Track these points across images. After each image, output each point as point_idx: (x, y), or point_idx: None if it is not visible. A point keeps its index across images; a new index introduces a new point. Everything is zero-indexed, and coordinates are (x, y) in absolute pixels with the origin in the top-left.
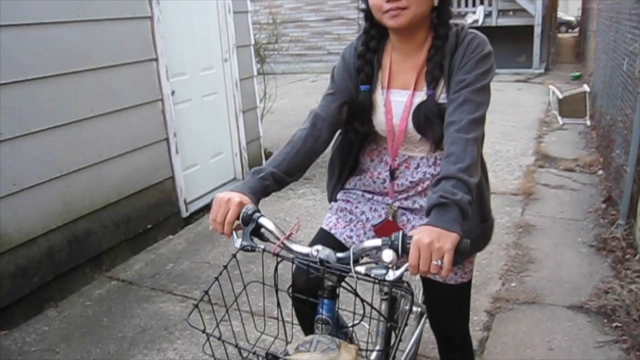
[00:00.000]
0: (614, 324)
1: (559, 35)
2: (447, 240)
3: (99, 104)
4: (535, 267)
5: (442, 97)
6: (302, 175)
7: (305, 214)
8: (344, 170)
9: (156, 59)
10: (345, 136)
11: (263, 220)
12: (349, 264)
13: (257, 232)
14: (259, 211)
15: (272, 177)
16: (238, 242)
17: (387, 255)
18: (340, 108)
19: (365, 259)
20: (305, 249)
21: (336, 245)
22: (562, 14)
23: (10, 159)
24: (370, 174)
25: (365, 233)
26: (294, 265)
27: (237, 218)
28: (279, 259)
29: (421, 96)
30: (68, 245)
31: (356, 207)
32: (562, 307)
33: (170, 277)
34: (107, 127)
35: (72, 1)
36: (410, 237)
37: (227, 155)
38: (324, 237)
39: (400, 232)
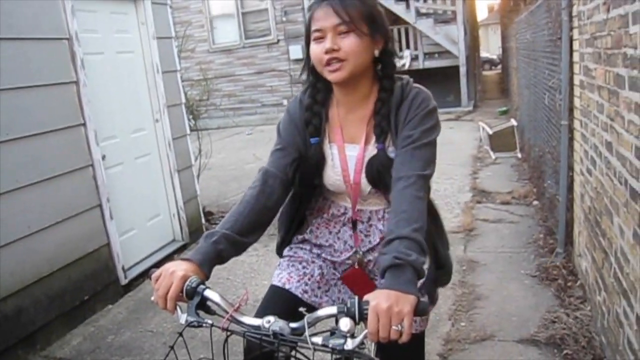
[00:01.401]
0: (564, 352)
1: (484, 72)
2: (406, 303)
3: (24, 174)
4: (482, 303)
5: (390, 151)
6: (260, 236)
7: (248, 270)
8: (293, 225)
9: (84, 124)
10: (294, 191)
11: (208, 293)
12: (303, 334)
13: (203, 305)
14: (203, 283)
15: (226, 240)
16: (183, 318)
17: (345, 323)
18: (291, 165)
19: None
20: (256, 321)
21: (292, 300)
22: (484, 53)
23: None
24: (319, 230)
25: (320, 287)
26: (245, 340)
27: (181, 291)
28: (228, 333)
29: (372, 148)
30: None
31: (312, 262)
32: (512, 342)
33: (112, 350)
34: (35, 198)
35: None
36: (367, 302)
37: (165, 217)
38: (277, 294)
39: (356, 298)
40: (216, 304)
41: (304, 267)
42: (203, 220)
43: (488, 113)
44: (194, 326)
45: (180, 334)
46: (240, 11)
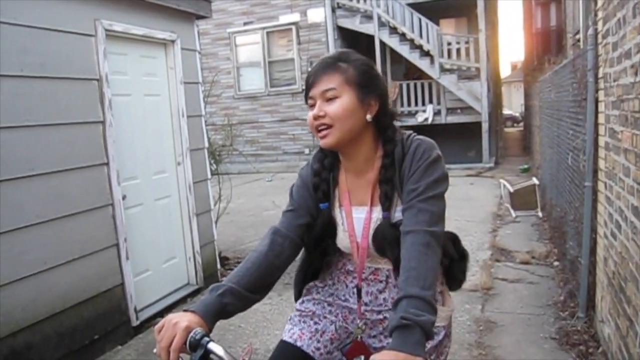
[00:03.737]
0: None
1: (506, 129)
2: None
3: (45, 210)
4: None
5: (397, 217)
6: (266, 294)
7: (261, 319)
8: (307, 278)
9: (107, 164)
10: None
11: (212, 346)
12: None
13: (206, 358)
14: (207, 335)
15: (232, 294)
16: None
17: None
18: (302, 227)
19: None
20: None
21: (303, 358)
22: (507, 110)
23: None
24: (335, 286)
25: (332, 343)
26: None
27: (185, 343)
28: None
29: (378, 211)
30: None
31: (324, 317)
32: None
33: None
34: (54, 234)
35: (21, 106)
36: None
37: (181, 260)
38: (288, 351)
39: (362, 358)
40: (220, 357)
41: (315, 323)
42: (219, 265)
43: (509, 170)
44: None
45: None
46: (267, 60)
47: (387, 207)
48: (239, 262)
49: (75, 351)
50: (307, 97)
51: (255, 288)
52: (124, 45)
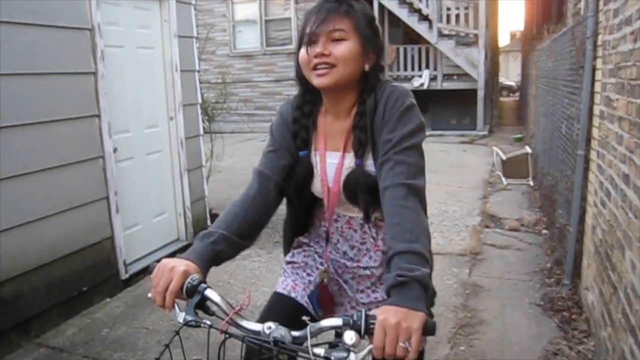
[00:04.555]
0: None
1: (501, 98)
2: (415, 320)
3: (34, 160)
4: (483, 329)
5: (369, 164)
6: (255, 239)
7: (250, 276)
8: (297, 232)
9: (98, 115)
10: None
11: (209, 293)
12: (304, 344)
13: (202, 304)
14: (205, 282)
15: (224, 241)
16: (181, 317)
17: (349, 337)
18: (286, 169)
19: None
20: (256, 326)
21: (296, 308)
22: (503, 79)
23: None
24: (315, 237)
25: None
26: (245, 345)
27: (181, 289)
28: (227, 336)
29: (350, 158)
30: None
31: (316, 269)
32: None
33: (105, 343)
34: (43, 184)
35: (9, 53)
36: (374, 316)
37: (171, 215)
38: (282, 302)
39: (363, 312)
40: (216, 304)
41: (308, 275)
42: (209, 222)
43: (503, 139)
44: (191, 326)
45: (177, 333)
46: (264, 18)
47: (360, 155)
48: None
49: (63, 302)
50: (306, 35)
51: (246, 233)
52: None
